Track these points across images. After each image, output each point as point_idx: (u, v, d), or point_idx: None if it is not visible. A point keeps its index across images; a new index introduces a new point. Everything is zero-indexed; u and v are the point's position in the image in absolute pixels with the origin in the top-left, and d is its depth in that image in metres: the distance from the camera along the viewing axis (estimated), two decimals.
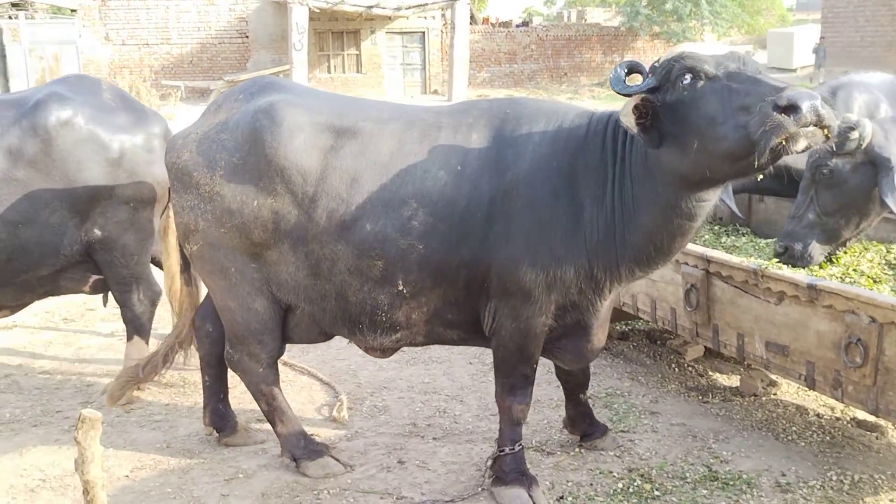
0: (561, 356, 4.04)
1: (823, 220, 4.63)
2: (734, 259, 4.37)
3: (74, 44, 26.82)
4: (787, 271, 4.13)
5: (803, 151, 3.06)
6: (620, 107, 3.43)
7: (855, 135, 4.33)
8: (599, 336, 3.99)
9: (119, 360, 5.80)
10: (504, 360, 3.91)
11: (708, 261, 4.47)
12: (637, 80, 3.40)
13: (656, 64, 3.37)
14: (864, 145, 4.35)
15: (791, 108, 2.93)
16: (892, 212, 4.37)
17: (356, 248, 3.77)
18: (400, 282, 3.77)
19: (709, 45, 3.32)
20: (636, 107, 3.30)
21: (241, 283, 4.00)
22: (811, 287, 3.85)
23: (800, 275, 4.06)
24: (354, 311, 3.91)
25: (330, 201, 3.78)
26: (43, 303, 7.02)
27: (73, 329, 6.51)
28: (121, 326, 6.55)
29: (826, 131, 3.00)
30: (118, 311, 6.98)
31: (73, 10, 27.61)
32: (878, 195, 4.39)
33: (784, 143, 2.96)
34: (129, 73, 27.19)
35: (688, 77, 3.21)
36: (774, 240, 5.38)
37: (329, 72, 29.91)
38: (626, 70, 3.40)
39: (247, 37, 29.78)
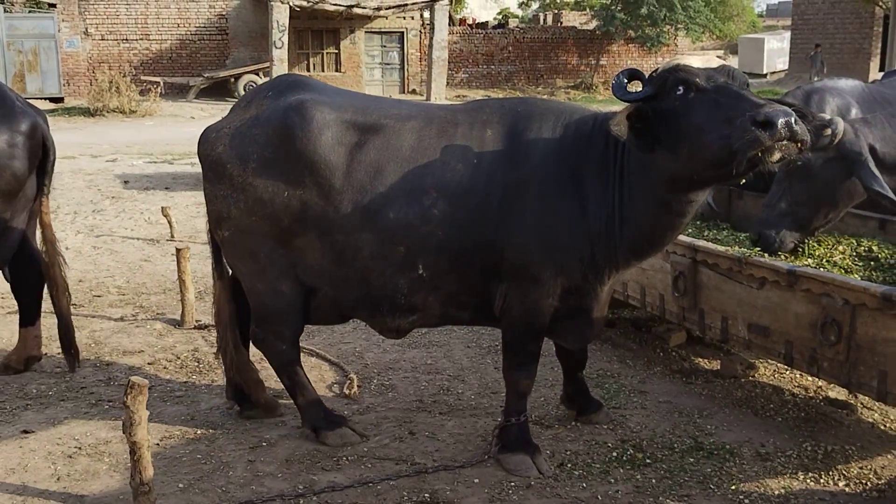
0: (564, 336, 4.41)
1: (795, 210, 4.99)
2: (720, 248, 4.76)
3: (53, 38, 26.80)
4: (768, 259, 4.53)
5: (778, 163, 3.42)
6: (618, 109, 3.81)
7: (828, 132, 4.70)
8: (599, 319, 4.36)
9: (132, 343, 6.10)
10: (513, 338, 4.27)
11: (695, 250, 4.85)
12: (636, 86, 3.77)
13: (654, 74, 3.75)
14: (836, 142, 4.72)
15: (767, 124, 3.29)
16: (882, 199, 4.66)
17: (379, 235, 4.10)
18: (420, 266, 4.11)
19: (704, 58, 3.70)
20: (629, 115, 3.68)
21: (270, 267, 4.32)
22: (790, 273, 4.24)
23: (780, 262, 4.45)
24: (376, 294, 4.25)
25: (355, 193, 4.12)
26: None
27: (83, 314, 6.77)
28: (130, 311, 6.88)
29: (800, 145, 3.37)
30: (124, 297, 7.32)
31: (51, 5, 27.57)
32: (846, 188, 4.78)
33: (760, 155, 3.35)
34: (108, 68, 27.18)
35: (681, 88, 3.58)
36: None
37: (308, 70, 30.10)
38: (626, 78, 3.76)
39: (226, 34, 29.91)
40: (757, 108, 3.36)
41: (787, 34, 38.61)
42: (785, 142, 3.32)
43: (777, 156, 3.36)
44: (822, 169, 4.84)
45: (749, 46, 40.12)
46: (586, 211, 4.00)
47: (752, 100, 3.46)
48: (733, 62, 40.19)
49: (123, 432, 3.66)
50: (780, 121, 3.28)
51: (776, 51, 39.51)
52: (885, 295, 3.78)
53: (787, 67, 37.67)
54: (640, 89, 3.77)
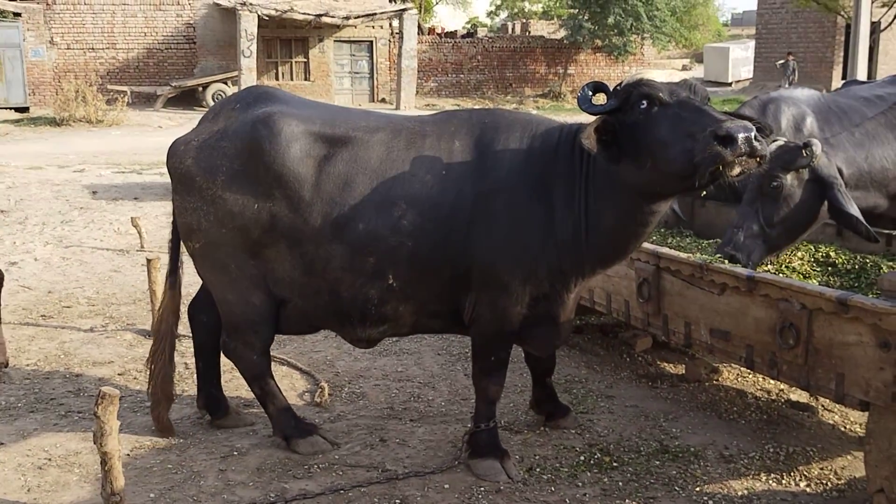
0: (532, 343, 4.49)
1: (766, 232, 4.99)
2: (682, 255, 4.86)
3: (18, 47, 26.63)
4: (729, 266, 4.64)
5: (738, 177, 3.53)
6: (583, 120, 3.90)
7: (806, 153, 4.79)
8: (566, 326, 4.45)
9: (102, 354, 6.10)
10: (482, 346, 4.35)
11: (659, 257, 4.95)
12: (601, 98, 3.86)
13: (618, 87, 3.84)
14: (813, 164, 4.81)
15: (727, 140, 3.39)
16: (857, 224, 4.75)
17: (349, 246, 4.15)
18: (390, 276, 4.17)
19: (666, 73, 3.80)
20: (596, 128, 3.76)
21: (241, 278, 4.36)
22: (750, 279, 4.35)
23: (739, 268, 4.56)
24: (346, 305, 4.30)
25: (324, 205, 4.17)
26: (18, 300, 7.29)
27: (53, 325, 6.75)
28: (99, 322, 6.87)
29: (759, 160, 3.48)
30: (94, 308, 7.31)
31: (16, 14, 27.33)
32: (818, 211, 4.88)
33: (720, 169, 3.45)
34: (74, 77, 27.01)
35: (644, 102, 3.68)
36: (714, 240, 5.92)
37: (277, 79, 30.10)
38: (591, 90, 3.85)
39: (194, 42, 29.85)
40: (718, 123, 3.46)
41: (752, 43, 39.15)
42: (745, 157, 3.43)
43: (737, 170, 3.47)
44: (796, 191, 4.92)
45: (714, 55, 40.60)
46: (553, 220, 4.08)
47: (712, 115, 3.56)
48: (699, 71, 40.69)
49: (94, 443, 3.67)
50: (741, 136, 3.38)
51: (741, 60, 40.02)
52: (839, 299, 3.89)
53: (751, 76, 38.20)
54: (605, 102, 3.86)
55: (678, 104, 3.63)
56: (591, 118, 3.87)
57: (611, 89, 3.88)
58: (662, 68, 39.33)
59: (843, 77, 30.82)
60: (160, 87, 28.47)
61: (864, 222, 4.79)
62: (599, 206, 4.02)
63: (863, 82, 8.57)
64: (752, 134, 3.41)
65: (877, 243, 5.21)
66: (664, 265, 4.93)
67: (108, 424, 3.67)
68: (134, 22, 29.27)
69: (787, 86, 27.46)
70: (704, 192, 3.82)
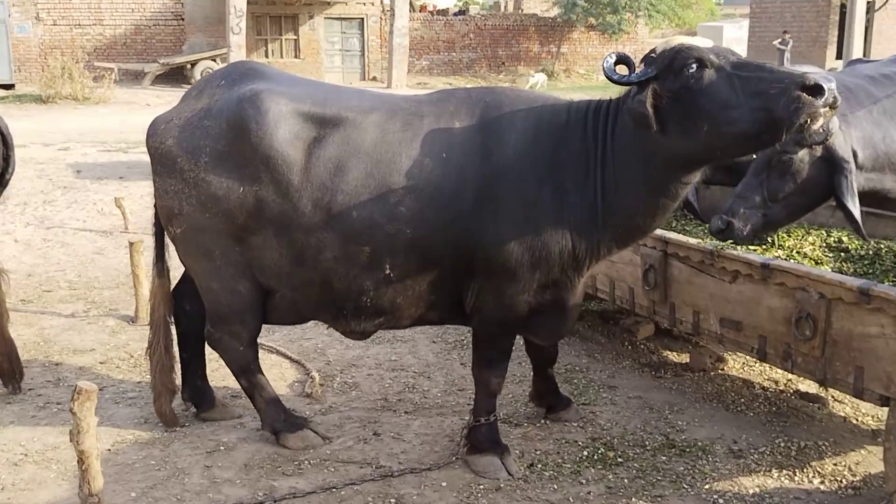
0: (537, 332, 4.27)
1: (768, 206, 4.83)
2: (691, 240, 4.65)
3: (3, 23, 26.13)
4: (741, 252, 4.42)
5: (817, 128, 3.46)
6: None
7: (823, 127, 4.51)
8: (573, 313, 4.24)
9: (83, 341, 5.86)
10: (485, 336, 4.13)
11: (666, 242, 4.74)
12: (623, 70, 3.62)
13: (652, 55, 3.59)
14: (828, 141, 4.56)
15: (816, 90, 3.25)
16: (851, 220, 4.50)
17: (343, 235, 3.91)
18: (387, 266, 3.93)
19: (700, 41, 3.57)
20: (654, 93, 3.52)
21: (226, 265, 4.11)
22: (764, 266, 4.14)
23: (753, 255, 4.35)
24: (339, 297, 4.05)
25: (315, 190, 3.91)
26: None
27: (32, 310, 6.50)
28: (81, 307, 6.62)
29: (833, 113, 3.38)
30: (75, 292, 7.06)
31: None
32: (824, 193, 4.64)
33: (808, 120, 3.29)
34: (60, 54, 26.48)
35: (693, 66, 3.45)
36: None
37: (267, 56, 29.65)
38: (614, 61, 3.61)
39: (182, 19, 29.30)
40: (798, 76, 3.33)
41: (746, 22, 38.84)
42: (829, 108, 3.30)
43: (820, 122, 3.35)
44: (807, 167, 4.69)
45: (708, 34, 40.04)
46: (566, 201, 3.85)
47: (783, 70, 3.45)
48: None
49: (70, 441, 3.46)
50: (827, 86, 3.27)
51: (735, 39, 39.65)
52: (861, 289, 3.69)
53: (745, 55, 37.91)
54: (640, 70, 3.61)
55: (733, 66, 3.45)
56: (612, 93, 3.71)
57: (624, 59, 3.64)
58: None
59: (838, 57, 30.61)
60: (148, 65, 27.96)
61: (860, 223, 4.50)
62: (620, 182, 3.78)
63: (868, 61, 8.32)
64: (834, 84, 3.31)
65: (867, 243, 4.98)
66: (672, 251, 4.72)
67: (84, 421, 3.46)
68: None
69: (786, 63, 27.11)
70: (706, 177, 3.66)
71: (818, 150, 4.56)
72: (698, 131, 3.49)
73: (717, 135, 3.47)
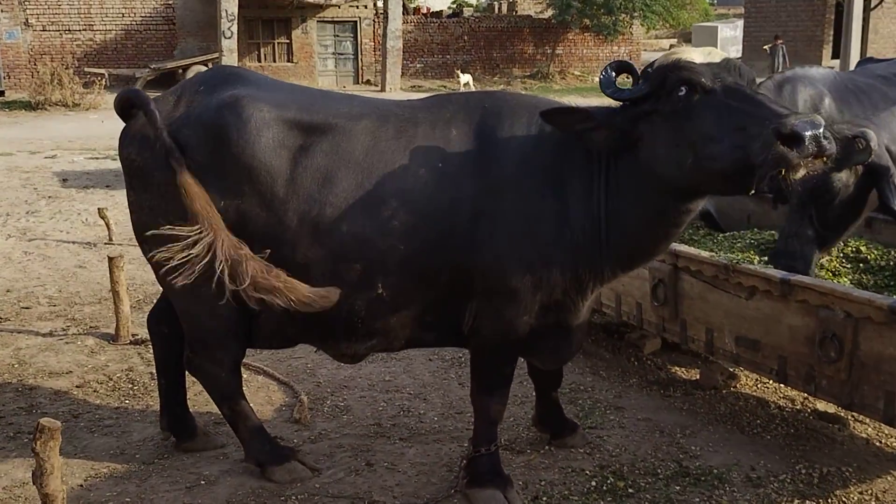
0: (540, 356, 3.97)
1: (823, 234, 4.56)
2: (704, 254, 4.37)
3: None
4: (758, 266, 4.13)
5: (800, 180, 2.99)
6: (589, 104, 3.37)
7: (860, 144, 4.21)
8: (578, 336, 3.94)
9: (60, 363, 5.55)
10: (484, 361, 3.83)
11: (676, 255, 4.45)
12: (623, 81, 3.33)
13: (649, 69, 3.29)
14: (871, 158, 4.26)
15: (793, 139, 2.85)
16: (894, 216, 4.34)
17: (332, 251, 3.61)
18: (379, 284, 3.62)
19: (705, 51, 3.24)
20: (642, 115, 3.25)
21: (206, 286, 3.79)
22: (784, 282, 3.86)
23: (772, 270, 4.06)
24: (328, 318, 3.71)
25: (301, 203, 3.61)
26: None
27: (8, 329, 6.19)
28: (60, 325, 6.32)
29: (826, 160, 2.95)
30: (55, 308, 6.76)
31: None
32: (870, 201, 4.37)
33: (784, 173, 2.91)
34: (49, 59, 26.15)
35: (683, 89, 3.13)
36: (730, 233, 5.43)
37: (259, 61, 29.38)
38: (615, 71, 3.32)
39: (173, 23, 29.04)
40: (780, 118, 2.91)
41: (740, 22, 38.71)
42: (811, 159, 2.90)
43: (802, 173, 2.93)
44: (852, 186, 4.40)
45: (703, 35, 40.12)
46: (568, 219, 3.55)
47: (769, 106, 3.02)
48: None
49: (34, 483, 3.17)
50: (808, 134, 2.84)
51: (729, 39, 39.59)
52: (893, 308, 3.41)
53: (740, 56, 37.75)
54: (633, 86, 3.32)
55: (725, 92, 3.08)
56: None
57: (638, 71, 3.34)
58: (650, 48, 38.83)
59: (834, 56, 30.42)
60: (139, 70, 27.64)
61: None
62: (623, 203, 3.47)
63: (879, 61, 8.09)
64: (821, 130, 2.86)
65: None
66: (683, 265, 4.43)
67: (49, 462, 3.21)
68: (111, 2, 28.37)
69: (779, 71, 26.71)
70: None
71: (860, 167, 4.29)
72: (684, 161, 3.16)
73: (700, 169, 3.13)
